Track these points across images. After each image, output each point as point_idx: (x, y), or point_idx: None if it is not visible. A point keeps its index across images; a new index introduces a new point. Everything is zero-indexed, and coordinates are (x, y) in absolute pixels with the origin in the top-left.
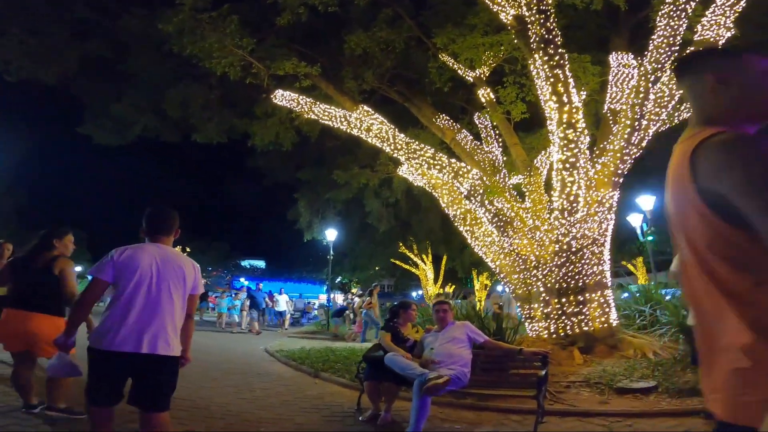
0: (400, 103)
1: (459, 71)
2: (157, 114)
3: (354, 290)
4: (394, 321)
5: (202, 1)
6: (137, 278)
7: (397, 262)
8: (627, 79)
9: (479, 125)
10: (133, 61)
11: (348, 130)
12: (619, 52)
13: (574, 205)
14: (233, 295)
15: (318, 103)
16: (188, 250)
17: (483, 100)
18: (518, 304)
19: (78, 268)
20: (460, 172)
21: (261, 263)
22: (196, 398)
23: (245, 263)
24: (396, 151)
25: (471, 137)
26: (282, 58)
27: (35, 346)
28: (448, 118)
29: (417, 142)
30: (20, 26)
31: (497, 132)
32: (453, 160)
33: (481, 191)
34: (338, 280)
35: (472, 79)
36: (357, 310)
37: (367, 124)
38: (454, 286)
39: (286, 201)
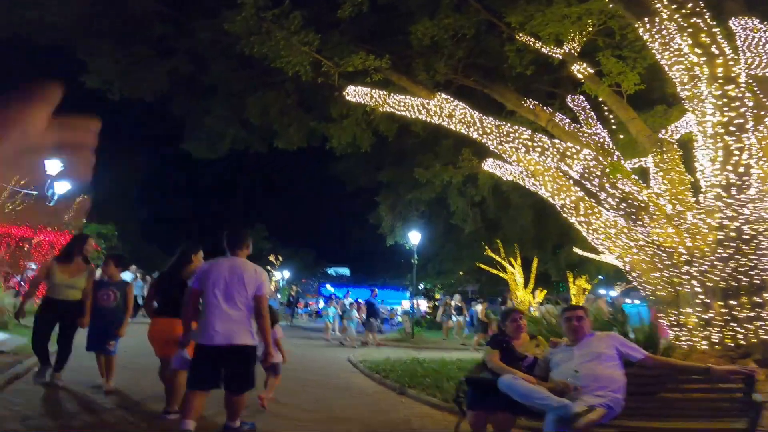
0: (479, 93)
1: (543, 50)
2: (243, 125)
3: (437, 296)
4: (504, 336)
5: (263, 0)
6: (211, 285)
7: (483, 266)
8: (762, 42)
9: (575, 108)
10: (212, 72)
11: (428, 119)
12: (739, 17)
13: (745, 179)
14: (345, 305)
15: (392, 94)
16: (280, 258)
17: (580, 76)
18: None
19: None
20: (568, 153)
21: (346, 270)
22: (269, 414)
23: (331, 271)
24: (485, 136)
25: (568, 120)
26: (350, 54)
27: None
28: (537, 102)
29: (509, 124)
30: (110, 46)
31: (606, 108)
32: (556, 140)
33: (597, 173)
34: (421, 286)
35: (560, 56)
36: (483, 318)
37: (449, 110)
38: (545, 291)
39: (368, 206)
